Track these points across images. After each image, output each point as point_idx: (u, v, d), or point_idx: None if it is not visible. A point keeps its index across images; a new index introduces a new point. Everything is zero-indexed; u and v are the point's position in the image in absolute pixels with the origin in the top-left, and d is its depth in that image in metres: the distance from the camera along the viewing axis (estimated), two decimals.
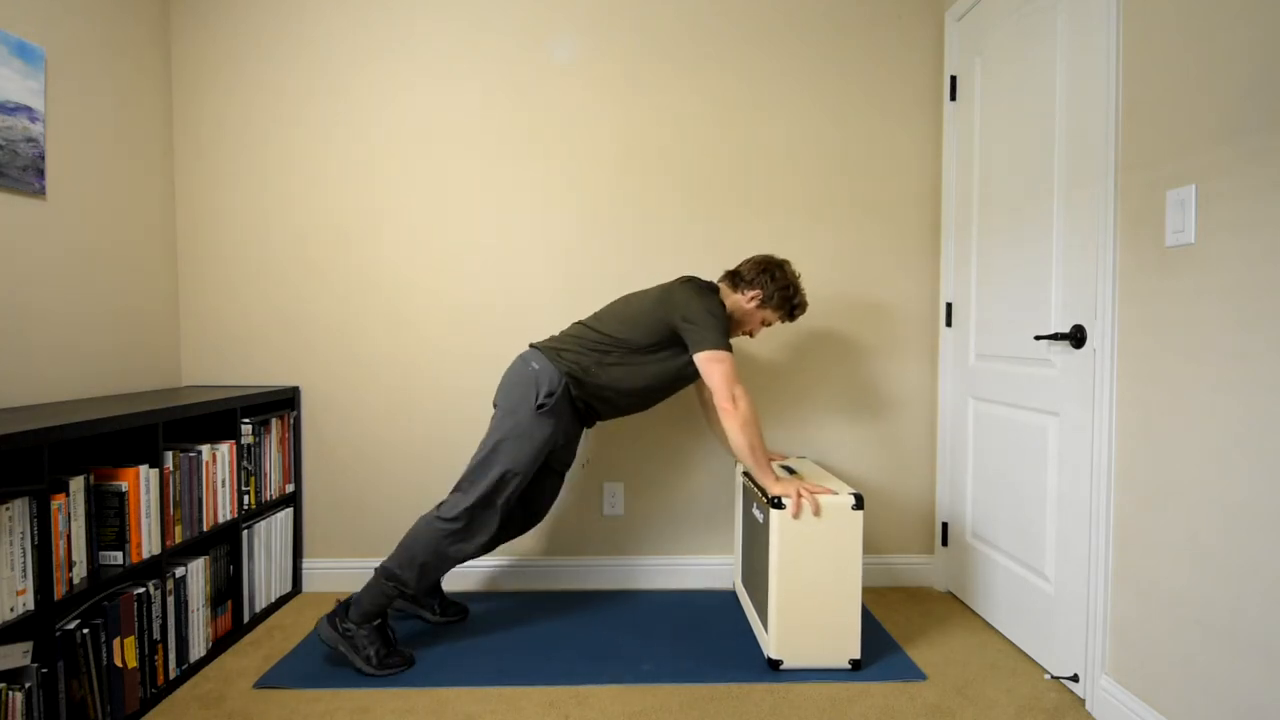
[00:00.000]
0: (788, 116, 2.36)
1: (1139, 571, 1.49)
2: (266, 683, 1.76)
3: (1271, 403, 1.19)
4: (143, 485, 1.64)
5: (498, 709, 1.65)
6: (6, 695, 1.29)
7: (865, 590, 2.40)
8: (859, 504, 1.80)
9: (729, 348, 1.83)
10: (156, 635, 1.68)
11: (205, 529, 1.88)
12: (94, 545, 1.52)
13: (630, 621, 2.12)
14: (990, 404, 2.10)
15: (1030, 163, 1.89)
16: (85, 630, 1.47)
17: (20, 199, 1.76)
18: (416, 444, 2.37)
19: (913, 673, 1.81)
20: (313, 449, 2.37)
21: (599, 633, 2.04)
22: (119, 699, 1.56)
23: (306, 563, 2.38)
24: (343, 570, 2.38)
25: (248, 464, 2.08)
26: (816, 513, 1.79)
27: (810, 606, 1.81)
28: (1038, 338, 1.75)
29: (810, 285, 2.38)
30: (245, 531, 2.06)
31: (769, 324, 2.04)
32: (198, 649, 1.85)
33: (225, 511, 1.97)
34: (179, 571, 1.77)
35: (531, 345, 1.94)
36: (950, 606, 2.25)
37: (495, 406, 1.90)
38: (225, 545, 1.99)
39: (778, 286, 1.96)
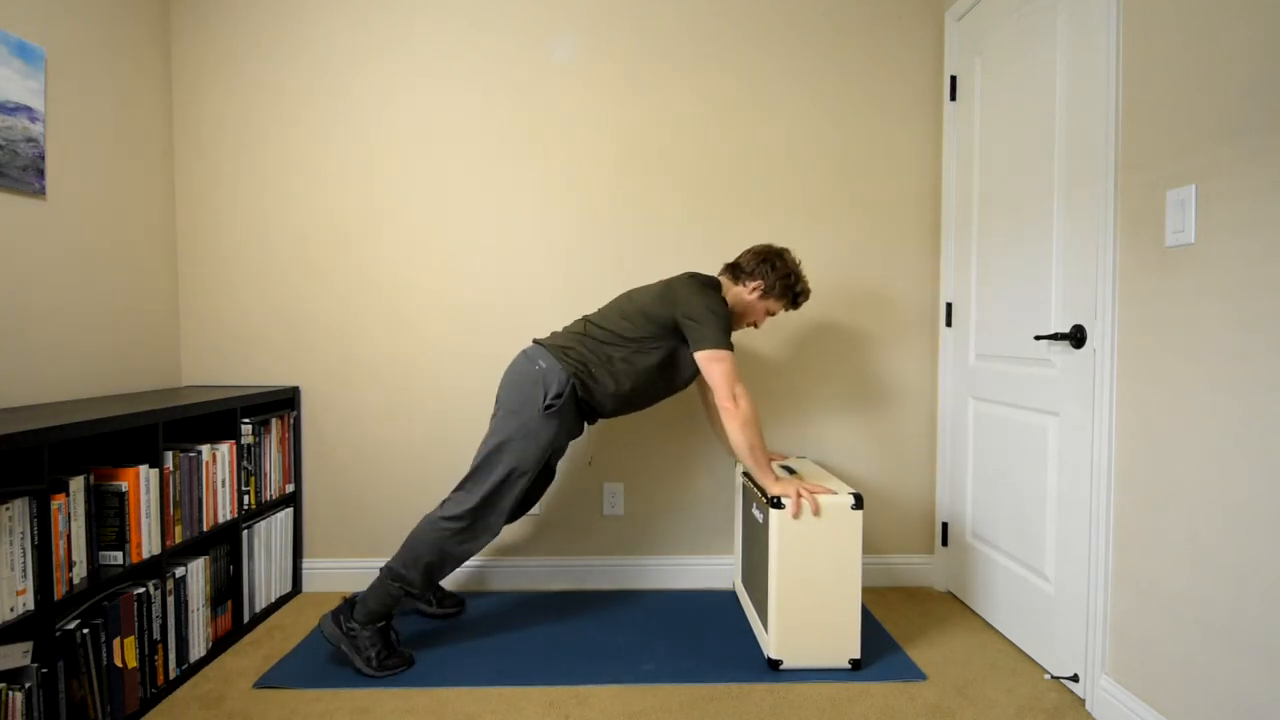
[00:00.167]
0: (788, 116, 2.36)
1: (1139, 571, 1.49)
2: (266, 683, 1.76)
3: (1271, 403, 1.19)
4: (143, 485, 1.64)
5: (498, 709, 1.65)
6: (6, 695, 1.29)
7: (865, 590, 2.39)
8: (859, 504, 1.80)
9: (730, 346, 1.82)
10: (156, 635, 1.68)
11: (205, 529, 1.88)
12: (94, 545, 1.52)
13: (630, 621, 2.12)
14: (990, 404, 2.10)
15: (1030, 163, 1.89)
16: (85, 630, 1.47)
17: (20, 199, 1.76)
18: (416, 444, 2.37)
19: (913, 673, 1.81)
20: (313, 449, 2.38)
21: (599, 633, 2.04)
22: (119, 699, 1.56)
23: (306, 563, 2.38)
24: (342, 570, 2.38)
25: (248, 464, 2.08)
26: (816, 513, 1.79)
27: (810, 606, 1.81)
28: (1038, 338, 1.75)
29: (810, 285, 2.38)
30: (245, 531, 2.06)
31: (773, 314, 2.01)
32: (198, 649, 1.85)
33: (225, 511, 1.97)
34: (179, 571, 1.77)
35: (535, 341, 1.91)
36: (950, 606, 2.25)
37: (497, 403, 1.88)
38: (225, 545, 1.99)
39: (779, 275, 1.93)
